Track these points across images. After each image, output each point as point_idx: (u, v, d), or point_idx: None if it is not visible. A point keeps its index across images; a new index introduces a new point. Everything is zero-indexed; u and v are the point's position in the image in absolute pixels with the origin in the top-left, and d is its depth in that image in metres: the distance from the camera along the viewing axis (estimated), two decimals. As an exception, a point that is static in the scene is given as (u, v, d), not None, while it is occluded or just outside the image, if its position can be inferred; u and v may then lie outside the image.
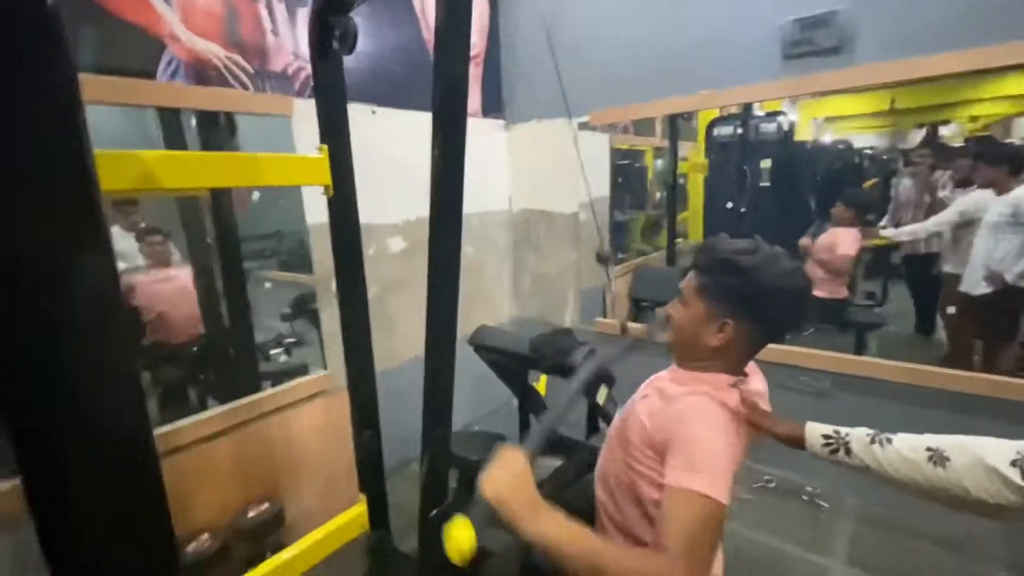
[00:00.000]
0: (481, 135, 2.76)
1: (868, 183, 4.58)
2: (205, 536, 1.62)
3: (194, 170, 1.16)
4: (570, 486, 1.71)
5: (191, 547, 1.57)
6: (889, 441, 0.75)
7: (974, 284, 2.39)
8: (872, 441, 0.76)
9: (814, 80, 1.96)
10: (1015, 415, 1.72)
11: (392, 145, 2.20)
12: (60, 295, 0.61)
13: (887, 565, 1.73)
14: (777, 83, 2.05)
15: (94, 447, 0.66)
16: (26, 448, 0.61)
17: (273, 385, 2.03)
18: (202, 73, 1.64)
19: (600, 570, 0.67)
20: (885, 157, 5.70)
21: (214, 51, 1.66)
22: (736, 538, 1.91)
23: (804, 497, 2.09)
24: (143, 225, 2.78)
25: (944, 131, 5.59)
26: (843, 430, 0.80)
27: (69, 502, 0.65)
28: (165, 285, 2.66)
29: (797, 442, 0.83)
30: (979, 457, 0.67)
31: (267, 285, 2.58)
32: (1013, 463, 0.64)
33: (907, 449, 0.73)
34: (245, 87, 1.76)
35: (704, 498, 0.70)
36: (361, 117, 2.08)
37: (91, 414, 0.65)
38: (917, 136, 5.76)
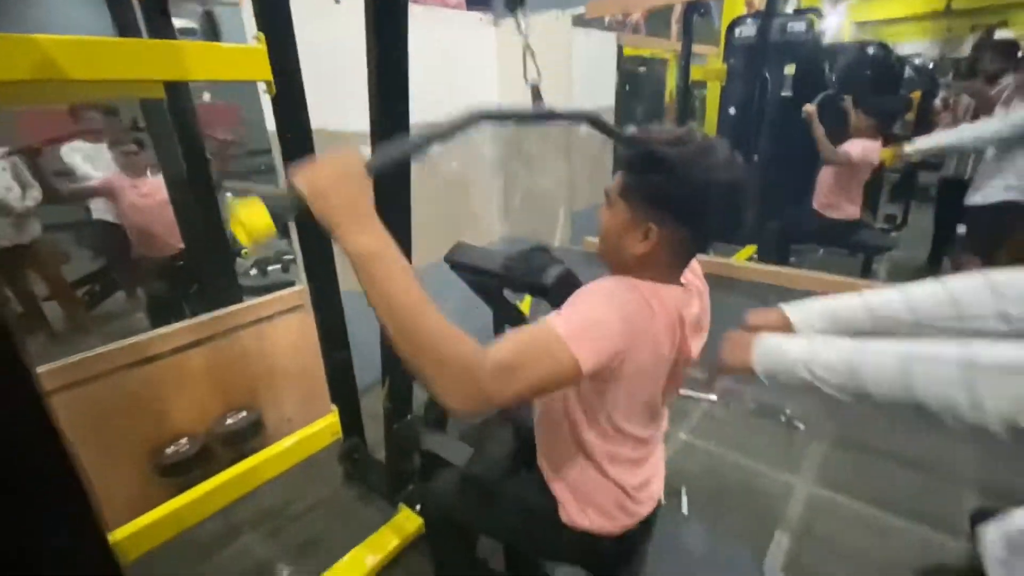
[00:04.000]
0: (465, 31, 2.49)
1: (913, 94, 4.15)
2: (184, 440, 1.69)
3: (106, 59, 1.04)
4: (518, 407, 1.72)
5: (170, 449, 1.64)
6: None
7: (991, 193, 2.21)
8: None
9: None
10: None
11: (358, 41, 1.99)
12: None
13: (854, 485, 1.75)
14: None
15: None
16: None
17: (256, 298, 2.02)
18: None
19: (413, 325, 0.58)
20: (931, 66, 5.12)
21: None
22: (705, 455, 1.94)
23: (782, 419, 2.09)
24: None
25: (1001, 35, 4.99)
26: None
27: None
28: (145, 200, 2.60)
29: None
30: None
31: (228, 195, 2.50)
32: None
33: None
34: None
35: (556, 336, 0.63)
36: (322, 5, 1.86)
37: None
38: (971, 42, 5.17)
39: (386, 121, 1.19)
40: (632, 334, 0.70)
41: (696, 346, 0.83)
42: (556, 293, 1.69)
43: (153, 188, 2.56)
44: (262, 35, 1.26)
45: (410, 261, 1.31)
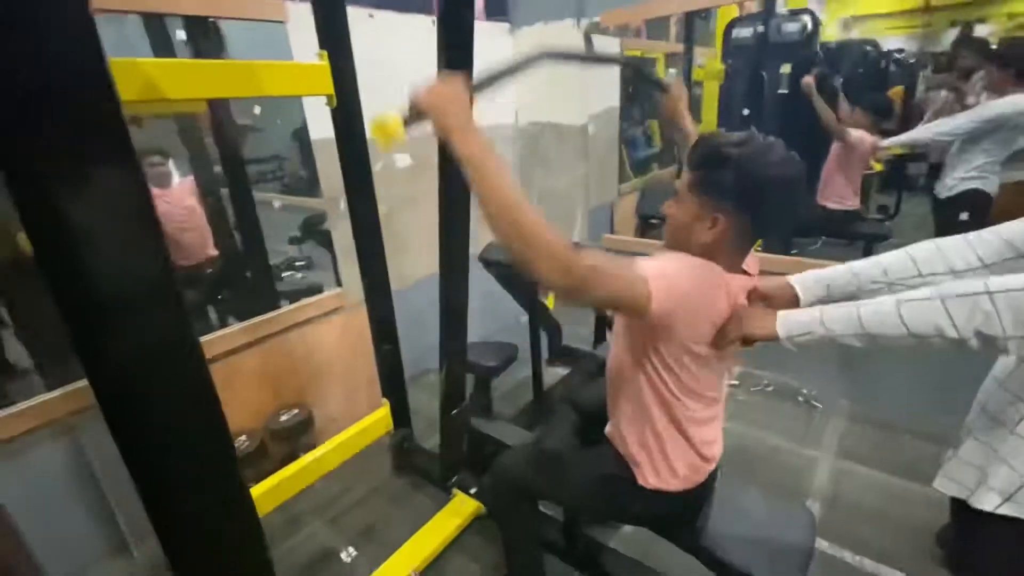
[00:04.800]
0: (484, 40, 2.58)
1: (894, 90, 4.33)
2: (243, 437, 1.77)
3: (192, 79, 1.13)
4: (577, 392, 1.81)
5: (232, 447, 1.72)
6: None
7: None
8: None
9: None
10: None
11: (392, 52, 2.09)
12: (91, 206, 0.63)
13: (873, 456, 1.87)
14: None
15: (148, 354, 0.72)
16: (91, 359, 0.66)
17: (291, 304, 2.10)
18: (187, -26, 1.53)
19: (513, 209, 0.69)
20: (913, 61, 5.31)
21: (197, -53, 1.54)
22: (732, 435, 2.05)
23: (800, 399, 2.21)
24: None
25: (980, 30, 5.17)
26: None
27: (134, 404, 0.72)
28: (168, 207, 2.66)
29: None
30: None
31: (277, 205, 2.58)
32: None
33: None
34: (234, -11, 1.65)
35: (638, 265, 0.79)
36: (358, 21, 1.96)
37: (136, 322, 0.70)
38: (950, 37, 5.36)
39: None
40: (702, 294, 0.84)
41: None
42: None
43: (179, 195, 2.63)
44: (325, 52, 1.35)
45: (469, 247, 1.41)
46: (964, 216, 2.27)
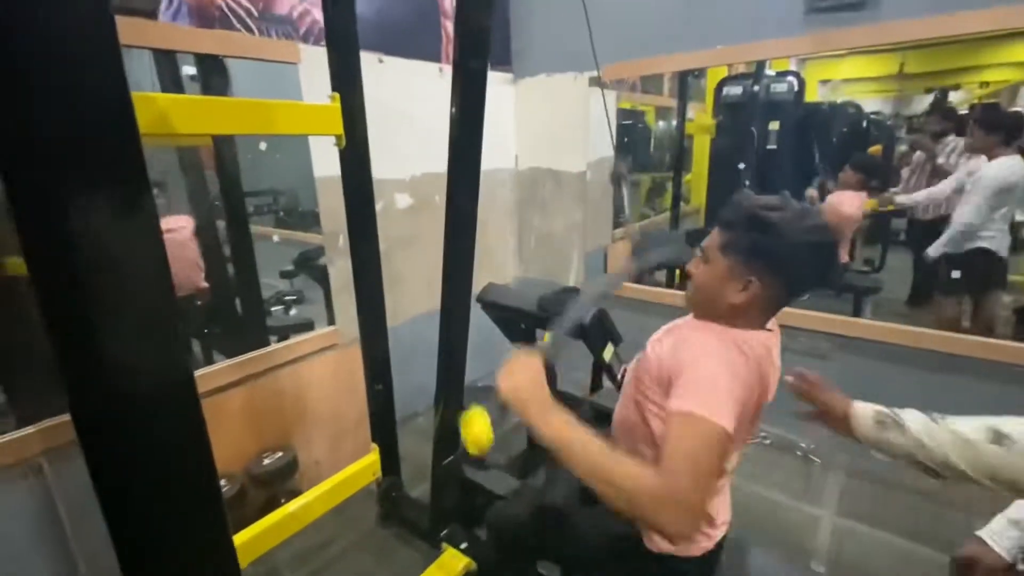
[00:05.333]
0: (488, 89, 2.68)
1: (873, 149, 4.54)
2: (223, 481, 1.67)
3: (207, 115, 1.13)
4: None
5: (210, 491, 1.62)
6: (944, 418, 0.75)
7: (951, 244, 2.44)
8: (929, 419, 0.77)
9: (837, 36, 1.90)
10: (1007, 376, 1.78)
11: (399, 97, 2.14)
12: (104, 237, 0.61)
13: (874, 514, 1.82)
14: (797, 39, 1.99)
15: (139, 386, 0.68)
16: (76, 387, 0.62)
17: (280, 341, 2.04)
18: (205, 15, 1.57)
19: (604, 475, 0.70)
20: (890, 123, 5.61)
21: (217, -10, 1.58)
22: (732, 489, 2.00)
23: (798, 453, 2.17)
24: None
25: (953, 97, 5.48)
26: (896, 409, 0.80)
27: (117, 439, 0.67)
28: (170, 236, 2.63)
29: (840, 419, 0.85)
30: None
31: (276, 239, 2.55)
32: None
33: (966, 427, 0.72)
34: (249, 31, 1.69)
35: (704, 420, 0.71)
36: (367, 66, 2.01)
37: (135, 357, 0.67)
38: (924, 102, 5.67)
39: (461, 165, 1.30)
40: (745, 387, 0.79)
41: (771, 393, 0.93)
42: (592, 333, 1.78)
43: (174, 226, 2.60)
44: (337, 95, 1.37)
45: (471, 288, 1.40)
46: (956, 274, 2.34)
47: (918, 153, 3.75)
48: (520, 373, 0.81)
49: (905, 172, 4.14)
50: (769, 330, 0.92)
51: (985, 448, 0.68)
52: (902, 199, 2.56)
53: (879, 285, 3.25)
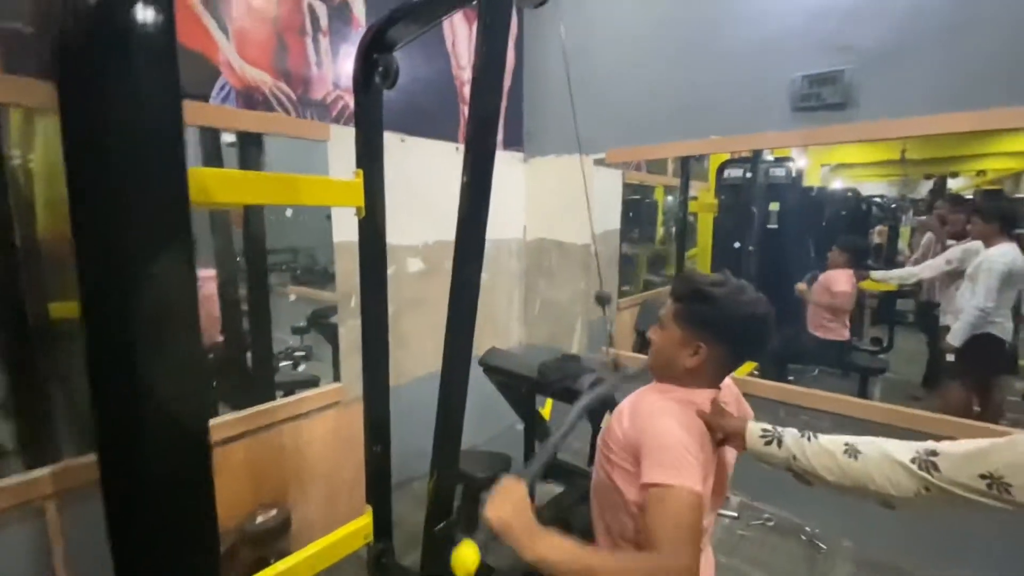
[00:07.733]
0: (501, 166, 2.85)
1: (877, 229, 4.68)
2: (215, 537, 1.66)
3: (247, 188, 1.27)
4: (571, 511, 1.75)
5: (201, 547, 1.61)
6: (816, 437, 0.88)
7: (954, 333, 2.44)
8: (801, 435, 0.88)
9: (821, 132, 2.06)
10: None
11: (417, 171, 2.32)
12: (150, 292, 0.70)
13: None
14: (786, 133, 2.16)
15: (163, 429, 0.74)
16: (106, 429, 0.69)
17: (285, 395, 2.09)
18: (250, 98, 1.77)
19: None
20: (894, 206, 5.82)
21: (263, 79, 1.79)
22: (734, 573, 1.92)
23: (803, 537, 2.10)
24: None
25: (952, 183, 5.68)
26: (778, 427, 0.92)
27: (135, 480, 0.73)
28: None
29: (738, 437, 0.93)
30: (886, 452, 0.79)
31: (292, 298, 2.67)
32: (912, 460, 0.76)
33: (828, 442, 0.86)
34: (288, 112, 1.89)
35: (676, 488, 0.78)
36: (391, 144, 2.20)
37: (166, 399, 0.74)
38: (926, 187, 5.86)
39: (468, 234, 1.39)
40: (702, 438, 0.87)
41: (731, 453, 1.00)
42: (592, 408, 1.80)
43: (201, 283, 2.73)
44: (360, 171, 1.52)
45: (471, 353, 1.45)
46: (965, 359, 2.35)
47: (928, 235, 3.88)
48: (506, 502, 0.85)
49: (916, 253, 4.26)
50: (718, 388, 0.99)
51: (841, 459, 0.82)
52: (877, 275, 2.65)
53: (885, 366, 3.24)
